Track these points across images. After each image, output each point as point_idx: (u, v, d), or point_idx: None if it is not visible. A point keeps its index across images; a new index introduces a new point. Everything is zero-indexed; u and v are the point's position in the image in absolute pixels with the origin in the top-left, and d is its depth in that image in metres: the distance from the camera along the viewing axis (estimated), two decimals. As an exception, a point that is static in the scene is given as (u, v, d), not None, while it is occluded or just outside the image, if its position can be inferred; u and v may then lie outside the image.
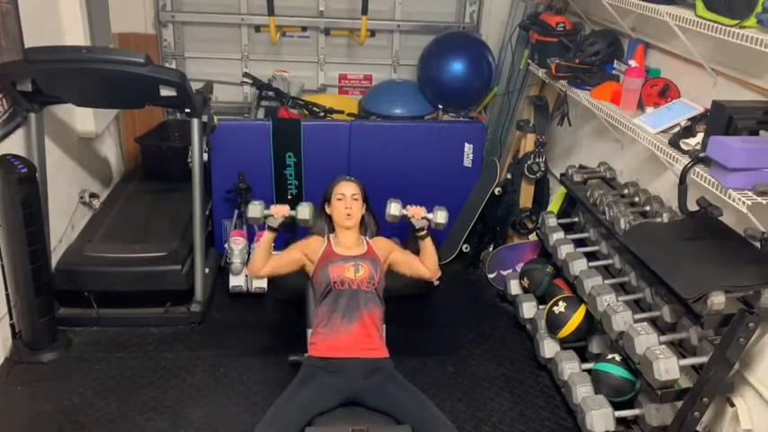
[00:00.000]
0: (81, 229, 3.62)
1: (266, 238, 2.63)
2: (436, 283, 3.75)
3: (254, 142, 3.81)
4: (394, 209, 2.66)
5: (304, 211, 2.64)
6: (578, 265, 2.97)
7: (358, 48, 4.67)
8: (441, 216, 2.67)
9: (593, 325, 2.94)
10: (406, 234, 3.89)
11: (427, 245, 2.70)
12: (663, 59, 2.95)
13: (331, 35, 4.68)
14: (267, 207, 2.63)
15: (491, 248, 4.01)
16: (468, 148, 3.99)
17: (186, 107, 3.16)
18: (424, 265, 2.72)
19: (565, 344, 3.00)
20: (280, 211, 2.61)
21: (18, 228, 2.79)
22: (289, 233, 3.88)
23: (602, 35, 3.28)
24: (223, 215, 3.91)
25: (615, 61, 3.13)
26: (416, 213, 2.65)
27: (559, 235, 3.25)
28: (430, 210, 2.69)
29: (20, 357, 2.99)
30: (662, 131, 2.52)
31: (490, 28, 4.61)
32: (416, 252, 2.77)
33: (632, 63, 2.90)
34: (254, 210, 2.61)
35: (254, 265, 2.63)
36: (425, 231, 2.68)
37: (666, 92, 2.75)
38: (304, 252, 2.66)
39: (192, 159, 3.29)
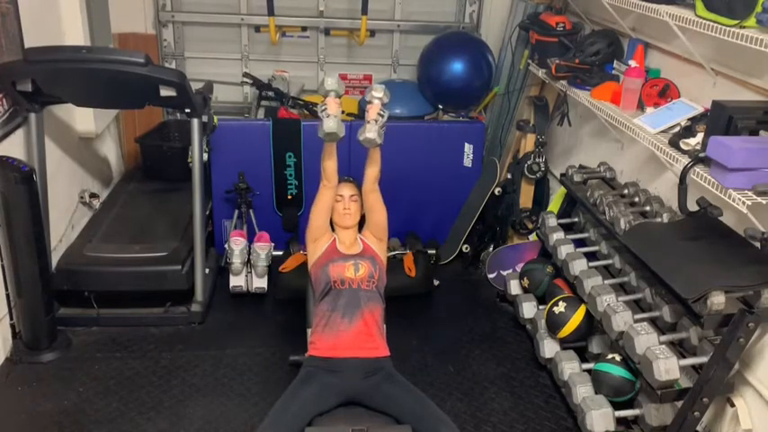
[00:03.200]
0: (81, 229, 3.62)
1: (327, 148, 2.59)
2: (436, 282, 3.76)
3: (254, 142, 3.82)
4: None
5: (330, 123, 2.49)
6: (578, 265, 2.97)
7: (358, 48, 4.67)
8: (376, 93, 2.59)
9: (593, 325, 2.94)
10: (405, 236, 3.91)
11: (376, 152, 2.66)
12: (663, 59, 2.95)
13: (331, 35, 4.68)
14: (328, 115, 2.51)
15: (491, 248, 4.01)
16: (468, 148, 3.99)
17: (186, 107, 3.16)
18: (368, 172, 2.67)
19: (565, 344, 3.00)
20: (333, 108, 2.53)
21: (18, 228, 2.79)
22: (290, 233, 3.89)
23: (602, 35, 3.28)
24: (223, 215, 3.91)
25: (615, 61, 3.13)
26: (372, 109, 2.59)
27: (559, 235, 3.25)
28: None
29: (20, 357, 2.99)
30: (662, 131, 2.52)
31: (490, 28, 4.61)
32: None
33: (632, 63, 2.90)
34: (331, 123, 2.47)
35: (327, 172, 2.61)
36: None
37: (666, 92, 2.75)
38: (327, 220, 2.66)
39: (192, 159, 3.29)
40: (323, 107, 2.54)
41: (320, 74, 4.76)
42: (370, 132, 2.52)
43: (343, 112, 4.13)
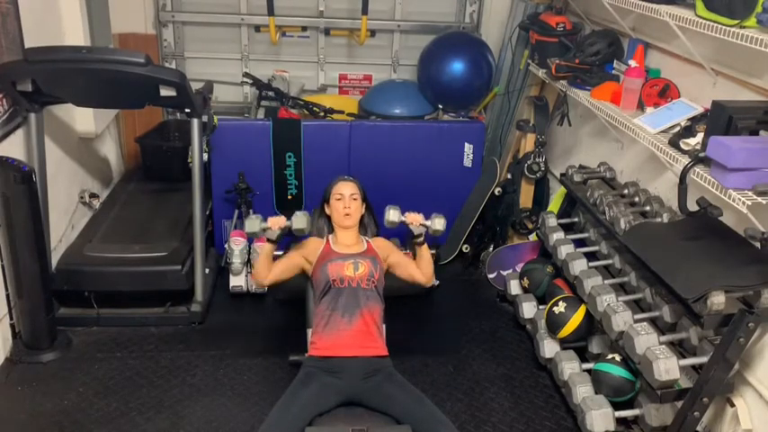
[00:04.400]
0: (81, 229, 3.62)
1: (266, 249, 2.63)
2: (436, 282, 3.76)
3: (254, 142, 3.81)
4: (393, 215, 2.65)
5: (299, 221, 2.61)
6: (578, 265, 2.97)
7: (358, 48, 4.67)
8: (438, 223, 2.66)
9: (593, 325, 2.94)
10: (405, 235, 3.91)
11: (424, 251, 2.70)
12: (663, 59, 2.95)
13: (331, 35, 4.68)
14: (265, 219, 2.62)
15: (491, 248, 4.01)
16: (468, 148, 3.99)
17: (186, 107, 3.16)
18: (420, 270, 2.72)
19: (565, 344, 3.00)
20: (276, 224, 2.60)
21: (18, 228, 2.79)
22: (290, 237, 3.88)
23: (602, 35, 3.28)
24: (223, 215, 3.91)
25: (615, 61, 3.13)
26: (414, 220, 2.65)
27: (559, 235, 3.25)
28: (428, 216, 2.68)
29: (20, 357, 2.99)
30: (662, 131, 2.52)
31: (490, 28, 4.61)
32: (414, 256, 2.76)
33: (632, 63, 2.90)
34: (252, 224, 2.60)
35: (258, 275, 2.65)
36: (422, 238, 2.68)
37: (666, 92, 2.75)
38: (303, 255, 2.66)
39: (192, 159, 3.29)
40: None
41: (320, 74, 4.77)
42: (394, 217, 2.64)
43: (342, 112, 4.20)
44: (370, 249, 2.68)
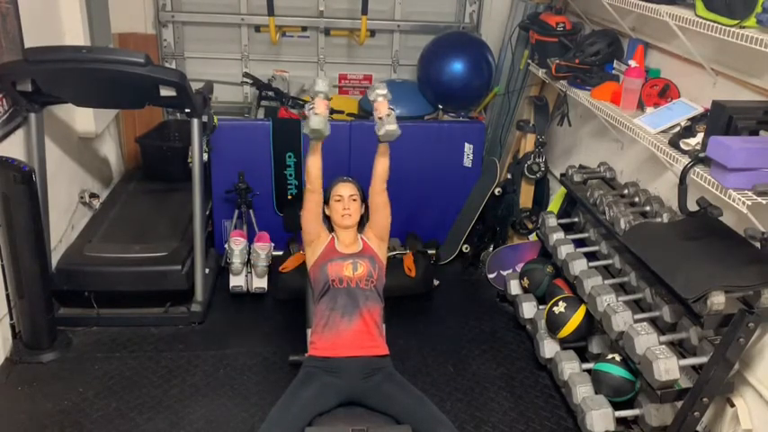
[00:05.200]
0: (81, 229, 3.62)
1: (312, 146, 2.60)
2: (436, 282, 3.76)
3: (254, 142, 3.81)
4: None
5: (317, 122, 2.51)
6: (578, 265, 2.97)
7: (358, 48, 4.67)
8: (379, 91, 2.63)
9: (593, 325, 2.94)
10: (405, 236, 3.91)
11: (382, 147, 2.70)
12: (663, 59, 2.95)
13: (331, 35, 4.68)
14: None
15: (491, 248, 4.01)
16: (468, 148, 3.99)
17: (186, 107, 3.16)
18: (377, 170, 2.68)
19: (565, 344, 3.00)
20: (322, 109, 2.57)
21: (18, 228, 2.79)
22: (290, 233, 3.89)
23: (602, 35, 3.28)
24: (223, 215, 3.91)
25: (615, 61, 3.13)
26: (380, 108, 2.62)
27: (559, 235, 3.25)
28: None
29: (20, 357, 2.99)
30: (662, 131, 2.52)
31: (490, 28, 4.61)
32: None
33: (632, 63, 2.90)
34: (318, 121, 2.51)
35: (310, 174, 2.62)
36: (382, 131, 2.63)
37: (666, 92, 2.75)
38: (318, 223, 2.66)
39: (192, 159, 3.29)
40: (311, 106, 2.58)
41: (320, 74, 4.77)
42: (390, 125, 2.58)
43: (342, 112, 4.20)
44: (366, 248, 2.68)
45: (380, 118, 2.61)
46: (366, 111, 4.40)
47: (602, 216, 2.92)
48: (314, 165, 2.61)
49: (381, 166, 2.67)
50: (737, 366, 2.28)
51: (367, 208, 2.83)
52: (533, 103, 3.99)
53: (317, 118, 2.52)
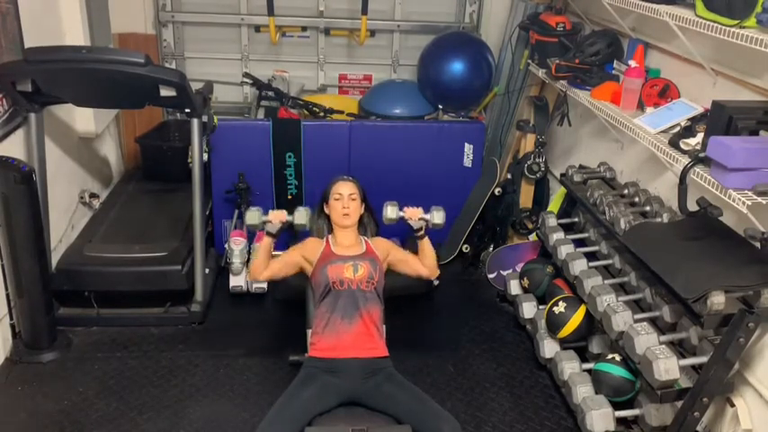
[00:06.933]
0: (81, 229, 3.62)
1: (265, 242, 2.63)
2: (436, 282, 3.76)
3: (254, 142, 3.81)
4: (390, 212, 2.65)
5: (301, 217, 2.64)
6: (578, 265, 2.97)
7: (358, 48, 4.67)
8: (438, 216, 2.66)
9: (593, 325, 2.94)
10: (405, 234, 3.90)
11: (425, 245, 2.70)
12: (663, 59, 2.95)
13: (331, 35, 4.68)
14: (265, 213, 2.64)
15: (491, 248, 4.01)
16: (468, 148, 3.99)
17: (186, 107, 3.16)
18: (423, 264, 2.72)
19: (565, 344, 3.00)
20: (277, 217, 2.62)
21: (18, 228, 2.79)
22: (290, 234, 3.88)
23: (602, 35, 3.28)
24: (223, 215, 3.91)
25: (615, 61, 3.13)
26: (414, 215, 2.65)
27: (559, 235, 3.25)
28: (427, 210, 2.68)
29: (20, 357, 2.99)
30: (662, 131, 2.52)
31: (490, 28, 4.61)
32: (416, 252, 2.77)
33: (632, 63, 2.90)
34: (252, 216, 2.63)
35: (255, 269, 2.64)
36: (423, 232, 2.68)
37: (666, 92, 2.75)
38: (302, 254, 2.66)
39: (192, 159, 3.29)
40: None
41: (320, 74, 4.77)
42: (392, 213, 2.65)
43: (342, 112, 4.20)
44: (370, 250, 2.68)
45: (422, 218, 2.66)
46: (366, 111, 4.41)
47: (602, 216, 2.92)
48: (265, 268, 2.63)
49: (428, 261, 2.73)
50: (737, 366, 2.28)
51: (367, 208, 2.83)
52: (533, 103, 3.99)
53: (302, 212, 2.65)
